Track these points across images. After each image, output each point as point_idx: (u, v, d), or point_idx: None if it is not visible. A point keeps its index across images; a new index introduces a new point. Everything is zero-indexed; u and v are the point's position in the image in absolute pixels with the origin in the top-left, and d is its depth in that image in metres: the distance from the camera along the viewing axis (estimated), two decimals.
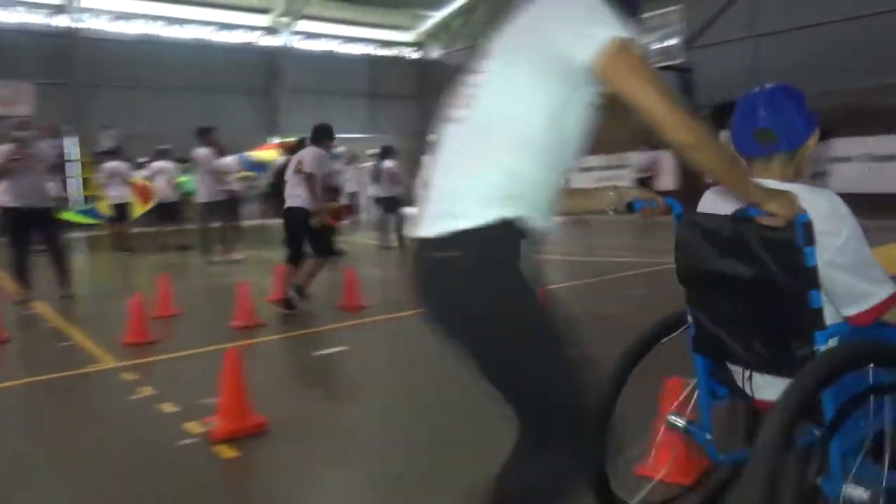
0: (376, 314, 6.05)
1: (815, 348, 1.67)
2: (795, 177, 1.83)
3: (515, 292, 1.50)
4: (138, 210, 12.21)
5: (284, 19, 23.10)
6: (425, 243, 1.55)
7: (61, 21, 20.08)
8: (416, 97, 27.63)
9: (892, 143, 13.62)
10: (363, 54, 26.35)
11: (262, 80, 24.03)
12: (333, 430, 3.35)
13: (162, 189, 11.63)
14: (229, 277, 8.97)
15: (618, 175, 18.89)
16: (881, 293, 1.69)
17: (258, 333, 5.38)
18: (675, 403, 2.20)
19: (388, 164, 11.34)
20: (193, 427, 3.31)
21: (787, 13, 16.41)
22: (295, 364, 4.57)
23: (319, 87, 25.08)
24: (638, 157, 17.26)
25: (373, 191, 11.84)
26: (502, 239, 1.48)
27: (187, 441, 3.17)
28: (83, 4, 19.82)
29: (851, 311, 1.70)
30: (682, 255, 1.92)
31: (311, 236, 6.19)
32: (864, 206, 2.98)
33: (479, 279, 1.49)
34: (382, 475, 2.82)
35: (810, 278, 1.64)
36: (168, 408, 3.63)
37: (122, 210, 11.64)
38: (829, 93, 15.14)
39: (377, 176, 11.46)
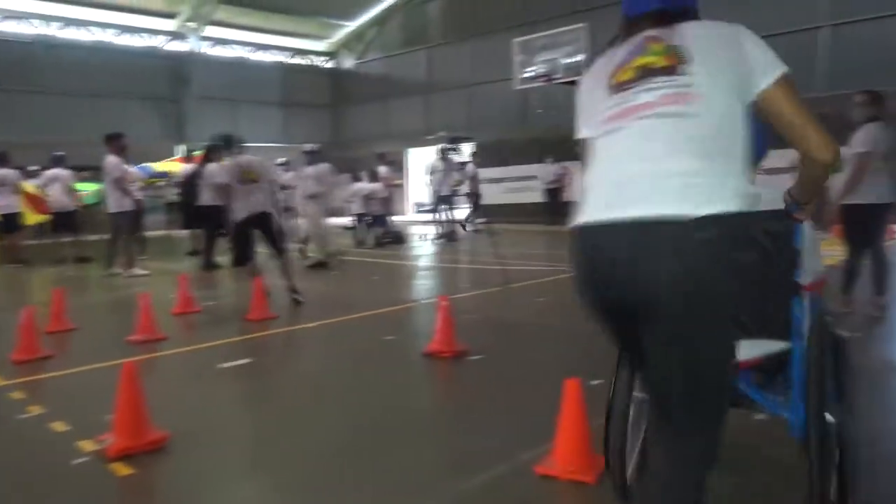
0: (282, 325, 6.00)
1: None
2: None
3: (747, 277, 1.62)
4: (31, 219, 11.57)
5: (191, 24, 22.44)
6: (659, 222, 1.58)
7: None
8: (329, 106, 27.47)
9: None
10: (275, 62, 25.97)
11: (168, 86, 23.26)
12: (235, 443, 3.32)
13: (57, 198, 11.05)
14: (131, 290, 8.66)
15: (527, 186, 19.44)
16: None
17: (159, 347, 5.22)
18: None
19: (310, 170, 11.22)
20: (86, 445, 3.19)
21: None
22: (197, 378, 4.46)
23: (230, 95, 24.54)
24: (547, 169, 17.81)
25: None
26: (747, 227, 1.63)
27: (80, 460, 3.05)
28: None
29: (808, 281, 2.19)
30: None
31: (272, 238, 6.87)
32: None
33: (731, 261, 1.57)
34: (285, 486, 2.82)
35: (797, 259, 2.14)
36: (59, 426, 3.48)
37: (11, 221, 10.95)
38: None
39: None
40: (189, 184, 9.89)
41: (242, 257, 6.91)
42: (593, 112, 1.84)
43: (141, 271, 9.42)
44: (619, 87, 1.78)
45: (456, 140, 8.61)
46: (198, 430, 3.48)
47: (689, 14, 1.84)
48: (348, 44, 26.61)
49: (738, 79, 1.70)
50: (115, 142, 9.28)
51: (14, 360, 4.83)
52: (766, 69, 1.71)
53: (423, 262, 8.84)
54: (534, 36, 16.56)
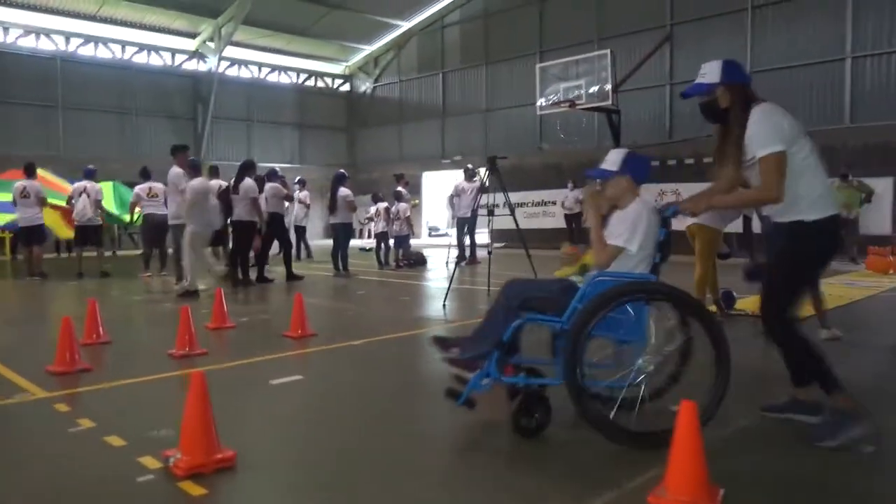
0: (324, 343, 5.80)
1: None
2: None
3: None
4: (63, 234, 11.51)
5: (212, 44, 22.54)
6: None
7: None
8: (343, 128, 27.50)
9: None
10: (292, 84, 26.08)
11: (186, 104, 23.35)
12: (303, 463, 3.11)
13: (83, 210, 10.93)
14: (164, 304, 8.49)
15: (545, 211, 19.32)
16: None
17: (200, 362, 5.01)
18: None
19: (343, 191, 11.20)
20: (148, 461, 2.98)
21: (697, 63, 17.42)
22: (251, 394, 4.25)
23: (247, 115, 24.64)
24: (567, 194, 17.70)
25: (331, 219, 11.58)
26: None
27: (146, 477, 2.84)
28: None
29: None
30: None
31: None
32: None
33: None
34: None
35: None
36: (115, 441, 3.27)
37: (33, 233, 10.81)
38: None
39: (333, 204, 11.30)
40: (223, 200, 9.82)
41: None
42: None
43: (202, 286, 9.21)
44: None
45: (494, 160, 8.46)
46: (263, 447, 3.28)
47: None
48: (364, 67, 26.72)
49: None
50: (180, 154, 9.16)
51: (52, 371, 4.63)
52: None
53: (451, 284, 8.63)
54: (557, 62, 16.55)
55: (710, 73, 3.33)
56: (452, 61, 23.86)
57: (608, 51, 15.19)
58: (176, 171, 9.02)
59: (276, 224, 10.32)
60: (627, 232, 3.25)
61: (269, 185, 10.39)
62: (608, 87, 15.00)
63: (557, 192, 18.42)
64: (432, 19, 24.12)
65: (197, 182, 8.59)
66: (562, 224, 18.07)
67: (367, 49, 25.97)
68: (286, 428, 3.66)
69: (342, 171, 11.97)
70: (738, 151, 3.21)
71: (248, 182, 9.61)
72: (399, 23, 24.43)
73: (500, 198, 9.30)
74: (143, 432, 3.38)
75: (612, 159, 3.46)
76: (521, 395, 3.29)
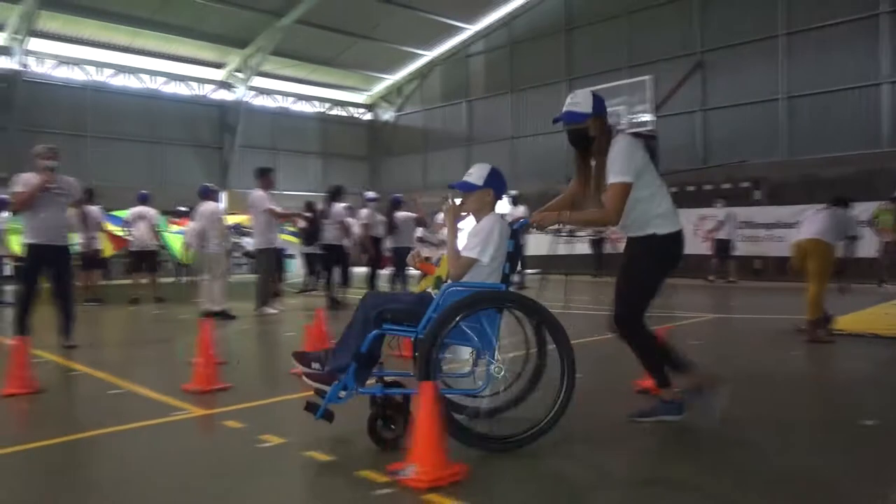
0: None
1: None
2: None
3: None
4: (107, 251, 11.46)
5: (239, 74, 22.75)
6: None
7: (2, 63, 18.99)
8: (365, 157, 27.63)
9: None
10: (316, 113, 26.27)
11: (213, 133, 23.47)
12: (526, 477, 3.02)
13: (140, 236, 10.89)
14: (261, 326, 8.45)
15: (573, 237, 19.24)
16: None
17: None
18: None
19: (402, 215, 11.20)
20: (371, 475, 2.90)
21: (730, 90, 17.67)
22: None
23: (272, 144, 24.75)
24: None
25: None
26: None
27: (383, 491, 2.75)
28: (29, 47, 18.82)
29: None
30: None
31: None
32: None
33: None
34: None
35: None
36: (318, 455, 3.18)
37: (91, 258, 10.76)
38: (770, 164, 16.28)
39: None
40: (313, 224, 9.95)
41: None
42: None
43: (271, 310, 9.16)
44: None
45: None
46: (479, 461, 3.18)
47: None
48: (387, 96, 26.96)
49: None
50: (264, 177, 9.16)
51: (189, 390, 4.54)
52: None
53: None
54: (594, 88, 16.65)
55: (583, 102, 3.56)
56: (477, 90, 24.09)
57: (648, 77, 15.34)
58: (260, 194, 9.00)
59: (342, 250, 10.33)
60: (481, 244, 3.36)
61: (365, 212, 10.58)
62: (647, 113, 15.15)
63: None
64: (456, 49, 24.41)
65: (212, 206, 8.93)
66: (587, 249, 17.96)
67: (390, 78, 26.23)
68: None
69: (398, 195, 11.97)
70: (603, 175, 3.49)
71: (338, 207, 9.74)
72: (422, 52, 24.71)
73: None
74: (340, 447, 3.31)
75: (478, 174, 3.52)
76: (377, 406, 3.30)
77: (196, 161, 22.97)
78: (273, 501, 2.77)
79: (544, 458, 3.22)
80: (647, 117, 15.16)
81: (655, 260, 3.60)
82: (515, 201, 14.03)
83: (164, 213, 13.42)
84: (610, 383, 4.94)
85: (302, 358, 3.48)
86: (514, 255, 3.47)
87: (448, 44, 24.26)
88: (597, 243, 17.25)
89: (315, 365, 3.39)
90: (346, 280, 10.34)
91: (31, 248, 6.24)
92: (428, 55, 24.88)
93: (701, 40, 18.17)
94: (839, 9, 15.85)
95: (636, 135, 15.85)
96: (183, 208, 16.08)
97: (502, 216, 3.55)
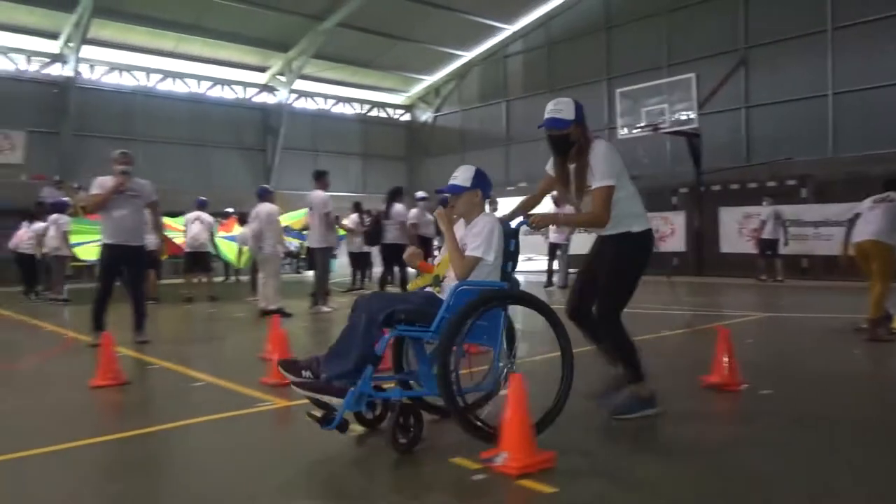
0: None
1: None
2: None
3: None
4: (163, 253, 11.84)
5: (282, 78, 23.17)
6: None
7: (56, 70, 19.66)
8: (404, 157, 27.90)
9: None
10: (355, 114, 26.61)
11: (256, 136, 23.94)
12: (616, 467, 3.14)
13: (195, 237, 11.26)
14: (302, 324, 8.65)
15: None
16: None
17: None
18: None
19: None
20: (463, 462, 3.04)
21: (775, 87, 17.46)
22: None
23: (313, 146, 25.14)
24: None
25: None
26: None
27: (479, 476, 2.89)
28: (81, 55, 19.45)
29: None
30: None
31: None
32: None
33: None
34: None
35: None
36: None
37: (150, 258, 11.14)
38: (811, 162, 16.03)
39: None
40: (376, 224, 10.18)
41: None
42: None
43: (326, 308, 9.41)
44: None
45: None
46: (565, 449, 3.30)
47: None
48: (425, 97, 27.18)
49: None
50: (323, 178, 9.43)
51: (268, 383, 4.75)
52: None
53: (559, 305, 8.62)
54: (636, 87, 16.67)
55: (565, 109, 3.69)
56: (515, 90, 24.16)
57: (692, 75, 15.26)
58: (321, 194, 9.25)
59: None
60: (485, 243, 3.44)
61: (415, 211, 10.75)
62: (690, 111, 15.08)
63: None
64: (494, 49, 24.52)
65: (268, 207, 9.12)
66: None
67: (429, 79, 26.44)
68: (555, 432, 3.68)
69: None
70: (584, 180, 3.68)
71: (399, 207, 9.95)
72: (461, 53, 24.87)
73: None
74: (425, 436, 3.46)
75: (464, 176, 3.60)
76: (397, 410, 3.22)
77: (240, 163, 23.47)
78: (378, 486, 2.94)
79: (626, 446, 3.33)
80: (690, 115, 15.07)
81: (637, 257, 3.78)
82: (556, 201, 14.01)
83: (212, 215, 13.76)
84: (676, 379, 5.00)
85: (291, 366, 3.38)
86: (515, 254, 3.63)
87: (486, 44, 24.38)
88: None
89: (306, 373, 3.30)
90: (404, 279, 10.54)
91: (107, 248, 6.54)
92: (466, 56, 25.03)
93: (744, 37, 18.00)
94: (887, 3, 15.57)
95: (678, 133, 15.84)
96: (230, 210, 16.47)
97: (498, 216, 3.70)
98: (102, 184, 6.55)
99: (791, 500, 2.69)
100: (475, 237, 3.48)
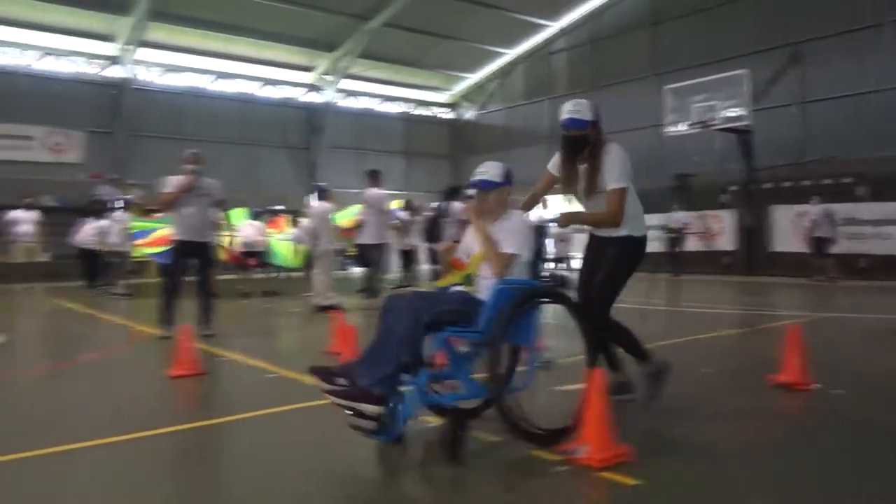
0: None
1: None
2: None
3: None
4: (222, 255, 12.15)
5: (328, 77, 23.49)
6: None
7: (113, 72, 20.28)
8: (447, 155, 28.01)
9: None
10: (399, 113, 26.82)
11: (302, 135, 24.31)
12: (695, 458, 3.17)
13: (250, 236, 11.60)
14: (368, 321, 8.78)
15: (657, 236, 18.98)
16: None
17: None
18: None
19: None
20: (545, 455, 3.11)
21: (830, 82, 17.04)
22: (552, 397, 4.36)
23: (358, 144, 25.41)
24: (672, 217, 17.21)
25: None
26: None
27: (561, 468, 2.96)
28: (136, 57, 20.03)
29: None
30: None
31: None
32: None
33: None
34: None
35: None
36: (488, 437, 3.41)
37: None
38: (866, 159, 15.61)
39: None
40: (433, 222, 10.38)
41: None
42: None
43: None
44: None
45: (685, 178, 8.49)
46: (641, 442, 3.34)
47: None
48: (468, 95, 27.25)
49: None
50: (377, 176, 9.63)
51: None
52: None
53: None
54: (688, 83, 16.46)
55: (584, 111, 3.80)
56: (559, 87, 24.05)
57: (744, 71, 15.02)
58: (378, 192, 9.42)
59: None
60: (521, 240, 3.44)
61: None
62: (739, 107, 14.85)
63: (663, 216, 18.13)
64: (538, 47, 24.46)
65: (324, 205, 9.33)
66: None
67: (472, 77, 26.51)
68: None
69: None
70: (595, 181, 3.76)
71: (457, 205, 10.05)
72: (505, 51, 24.87)
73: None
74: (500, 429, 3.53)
75: (494, 171, 3.56)
76: (450, 418, 3.10)
77: (285, 162, 23.87)
78: (466, 476, 3.01)
79: (700, 440, 3.36)
80: (742, 112, 14.84)
81: (636, 258, 3.94)
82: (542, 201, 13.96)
83: (258, 214, 14.03)
84: (742, 378, 4.99)
85: (325, 374, 3.10)
86: (541, 252, 3.70)
87: (530, 41, 24.34)
88: (675, 242, 16.89)
89: (340, 381, 3.05)
90: None
91: (177, 244, 6.78)
92: (510, 53, 25.02)
93: (798, 31, 17.60)
94: None
95: (729, 130, 15.59)
96: (278, 207, 16.81)
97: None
98: (173, 183, 6.79)
99: None
100: (509, 234, 3.43)
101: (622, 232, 3.82)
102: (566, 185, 3.95)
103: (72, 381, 5.19)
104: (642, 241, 3.93)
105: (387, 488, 2.98)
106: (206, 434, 3.72)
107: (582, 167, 3.84)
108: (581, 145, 3.79)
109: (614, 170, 3.73)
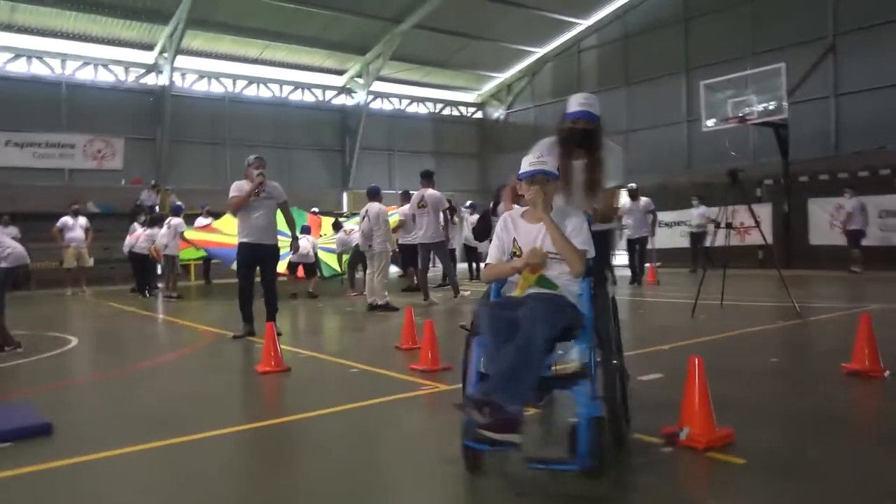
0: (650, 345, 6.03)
1: None
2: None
3: None
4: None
5: (359, 80, 23.79)
6: None
7: (152, 80, 20.74)
8: (475, 155, 28.18)
9: None
10: (428, 113, 27.05)
11: (335, 137, 24.62)
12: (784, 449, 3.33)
13: (302, 248, 11.91)
14: (426, 316, 9.01)
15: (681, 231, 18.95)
16: None
17: None
18: None
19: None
20: (646, 437, 3.30)
21: (865, 74, 16.92)
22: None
23: (388, 145, 25.69)
24: (693, 212, 17.20)
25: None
26: None
27: (667, 449, 3.15)
28: (174, 65, 20.46)
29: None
30: None
31: None
32: None
33: None
34: None
35: None
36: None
37: None
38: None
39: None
40: (484, 221, 10.63)
41: None
42: None
43: (466, 292, 10.09)
44: None
45: (736, 173, 8.59)
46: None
47: None
48: (496, 94, 27.39)
49: None
50: (431, 177, 9.94)
51: (418, 369, 5.10)
52: None
53: (657, 299, 8.73)
54: (723, 78, 16.45)
55: (595, 104, 3.90)
56: (589, 84, 24.06)
57: (781, 64, 15.01)
58: (436, 192, 9.67)
59: None
60: (586, 236, 3.25)
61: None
62: (776, 101, 14.85)
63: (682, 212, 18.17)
64: (567, 45, 24.51)
65: (378, 206, 9.58)
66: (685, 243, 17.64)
67: (500, 77, 26.64)
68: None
69: None
70: (597, 175, 3.75)
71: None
72: (534, 49, 24.96)
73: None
74: None
75: (554, 163, 3.37)
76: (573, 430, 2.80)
77: (319, 164, 24.21)
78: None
79: (788, 421, 3.52)
80: (777, 105, 14.83)
81: (611, 251, 4.29)
82: (633, 194, 14.06)
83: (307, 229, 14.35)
84: (814, 366, 5.12)
85: (479, 405, 2.64)
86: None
87: (559, 39, 24.39)
88: (698, 237, 16.81)
89: (486, 409, 2.62)
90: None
91: (244, 246, 7.05)
92: (539, 52, 25.09)
93: (833, 23, 17.51)
94: None
95: (765, 124, 15.59)
96: (314, 210, 17.12)
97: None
98: (240, 187, 7.08)
99: None
100: (576, 231, 3.22)
101: (605, 225, 4.01)
102: (561, 179, 3.83)
103: (168, 379, 5.48)
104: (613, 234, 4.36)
105: (488, 478, 3.16)
106: (310, 424, 3.94)
107: (578, 162, 3.79)
108: (591, 139, 3.81)
109: (616, 168, 3.88)
